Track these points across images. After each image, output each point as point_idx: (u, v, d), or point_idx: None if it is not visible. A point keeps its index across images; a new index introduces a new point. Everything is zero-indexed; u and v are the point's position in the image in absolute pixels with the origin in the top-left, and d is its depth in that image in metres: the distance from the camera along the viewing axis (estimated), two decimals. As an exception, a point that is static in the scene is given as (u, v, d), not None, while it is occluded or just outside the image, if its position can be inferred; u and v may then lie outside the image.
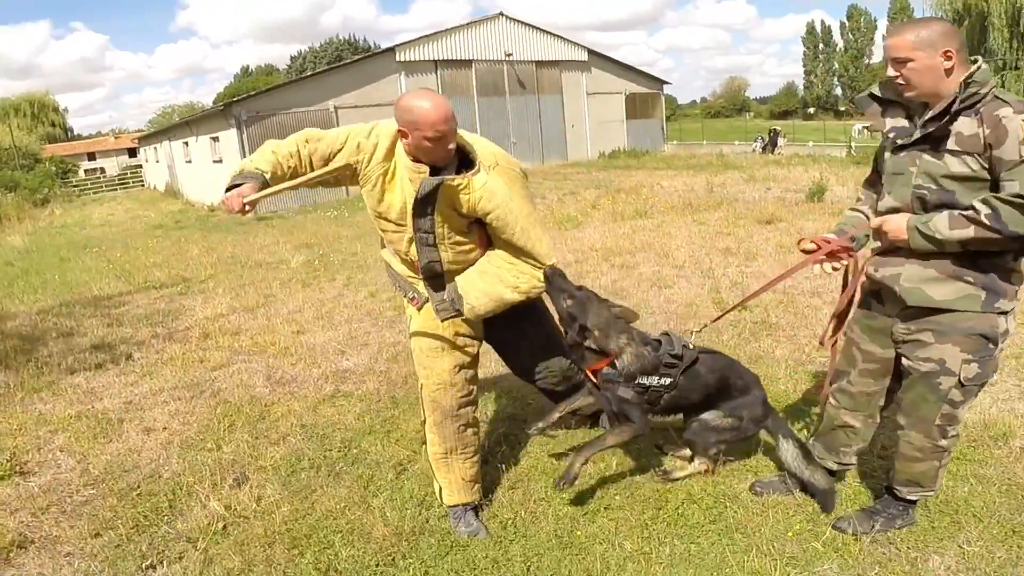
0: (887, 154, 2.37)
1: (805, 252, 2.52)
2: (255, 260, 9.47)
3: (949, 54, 2.08)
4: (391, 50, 20.16)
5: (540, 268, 2.60)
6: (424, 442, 2.91)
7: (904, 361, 2.40)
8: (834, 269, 2.48)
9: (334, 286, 7.37)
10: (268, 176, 2.36)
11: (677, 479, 2.99)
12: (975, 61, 2.12)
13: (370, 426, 3.74)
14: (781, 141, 26.95)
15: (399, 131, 2.36)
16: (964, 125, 2.10)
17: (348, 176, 2.53)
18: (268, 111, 17.66)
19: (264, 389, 4.41)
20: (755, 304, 5.58)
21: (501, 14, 22.50)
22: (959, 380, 2.25)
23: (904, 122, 2.31)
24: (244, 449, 3.54)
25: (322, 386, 4.39)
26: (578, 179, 18.95)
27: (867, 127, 38.59)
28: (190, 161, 23.87)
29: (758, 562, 2.45)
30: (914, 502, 2.59)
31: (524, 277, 2.59)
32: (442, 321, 2.65)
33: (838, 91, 73.02)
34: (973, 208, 2.06)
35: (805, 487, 2.83)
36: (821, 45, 73.59)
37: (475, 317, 2.64)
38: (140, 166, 38.94)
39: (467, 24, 21.93)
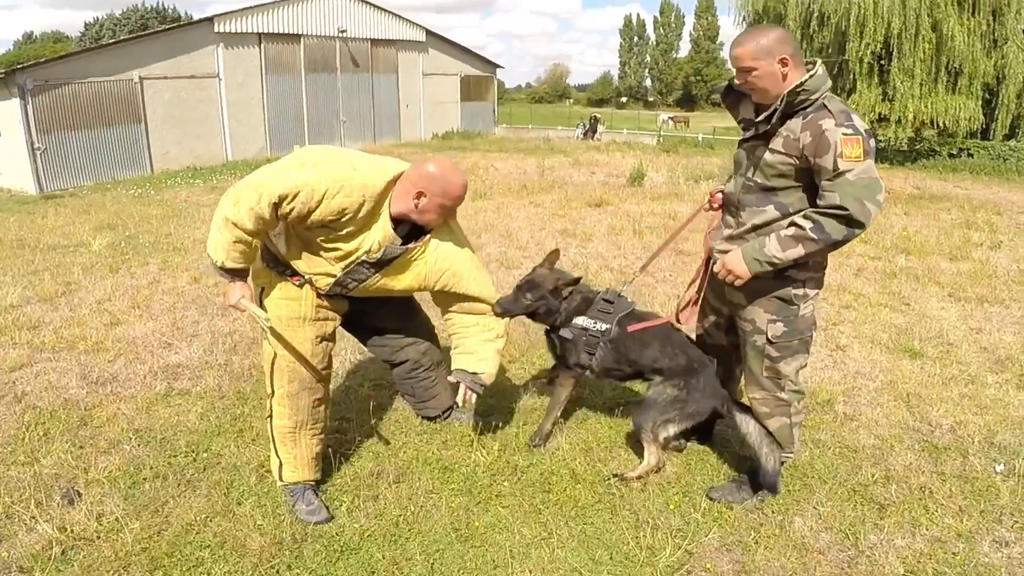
0: (738, 144, 2.58)
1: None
2: (47, 243, 8.18)
3: (785, 61, 2.24)
4: (209, 20, 18.28)
5: (491, 306, 2.79)
6: (266, 420, 2.74)
7: (737, 322, 2.66)
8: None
9: (147, 271, 6.55)
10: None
11: (630, 479, 2.87)
12: (812, 64, 2.29)
13: (217, 426, 3.35)
14: (600, 128, 28.37)
15: (419, 192, 2.41)
16: (791, 127, 2.28)
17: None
18: (60, 80, 15.36)
19: (80, 391, 3.79)
20: (596, 284, 5.82)
21: (337, -11, 21.36)
22: (767, 337, 2.52)
23: (752, 115, 2.47)
24: (68, 461, 3.02)
25: (151, 384, 3.87)
26: (414, 160, 18.57)
27: (671, 118, 42.10)
28: (-40, 134, 20.20)
29: (650, 537, 2.52)
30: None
31: (492, 323, 2.83)
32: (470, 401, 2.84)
33: (648, 82, 78.65)
34: (796, 225, 2.26)
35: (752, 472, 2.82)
36: (636, 38, 78.58)
37: (491, 382, 2.87)
38: None
39: (298, -3, 20.56)
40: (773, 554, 2.48)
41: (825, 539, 2.57)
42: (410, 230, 2.55)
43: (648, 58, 77.96)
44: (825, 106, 2.23)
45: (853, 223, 2.17)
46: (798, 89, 2.22)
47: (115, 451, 3.13)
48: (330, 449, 3.02)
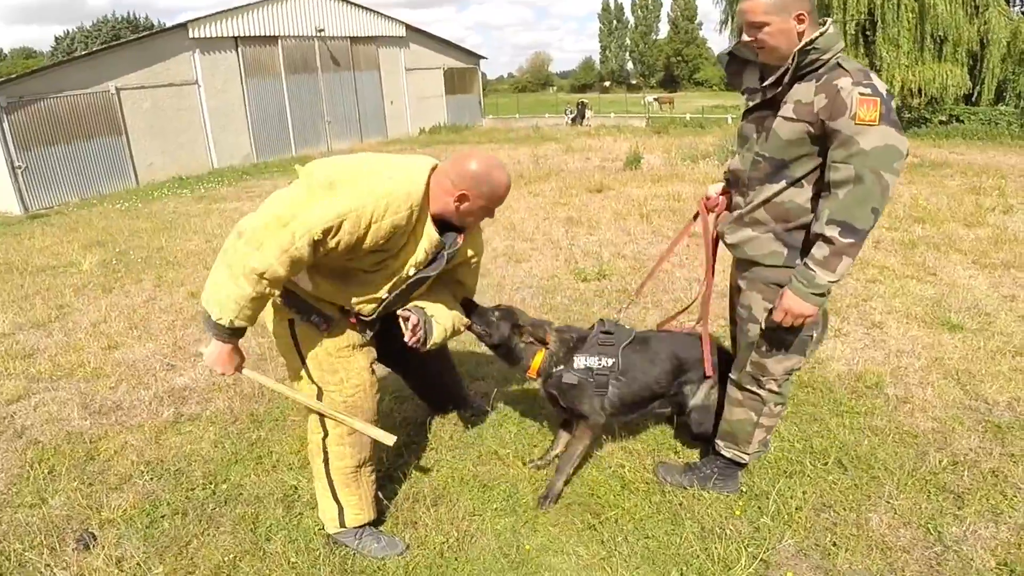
0: (743, 116, 2.35)
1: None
2: (36, 265, 7.88)
3: (801, 17, 2.02)
4: (183, 26, 17.88)
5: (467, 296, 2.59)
6: (315, 463, 2.40)
7: (736, 308, 2.46)
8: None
9: (142, 288, 6.27)
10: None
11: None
12: (824, 23, 2.05)
13: (234, 453, 3.12)
14: (588, 113, 28.13)
15: (461, 194, 2.12)
16: (802, 92, 2.05)
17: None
18: (34, 96, 14.97)
19: (83, 422, 3.56)
20: (611, 273, 5.62)
21: (312, -12, 20.93)
22: (761, 327, 2.30)
23: (756, 83, 2.25)
24: (78, 500, 2.79)
25: (158, 410, 3.63)
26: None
27: (656, 99, 41.79)
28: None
29: (721, 547, 2.32)
30: (731, 462, 2.57)
31: (458, 314, 2.52)
32: (415, 346, 2.33)
33: (629, 66, 78.87)
34: (824, 238, 2.00)
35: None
36: (615, 22, 78.86)
37: (430, 348, 2.38)
38: None
39: (273, -2, 20.12)
40: (855, 557, 2.29)
41: (906, 536, 2.39)
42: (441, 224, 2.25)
43: (628, 41, 78.13)
44: (840, 65, 2.01)
45: (871, 199, 1.93)
46: (808, 47, 2.00)
47: (127, 487, 2.90)
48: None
